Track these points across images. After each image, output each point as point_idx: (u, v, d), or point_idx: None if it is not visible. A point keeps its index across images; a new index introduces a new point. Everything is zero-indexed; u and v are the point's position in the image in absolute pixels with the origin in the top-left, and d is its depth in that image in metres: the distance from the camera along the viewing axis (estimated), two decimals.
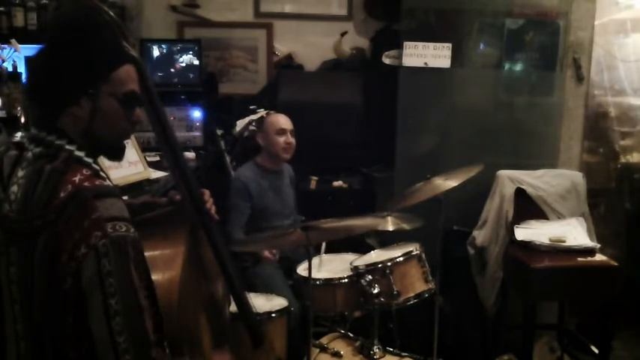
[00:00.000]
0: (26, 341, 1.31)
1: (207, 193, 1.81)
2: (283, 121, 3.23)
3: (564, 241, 3.05)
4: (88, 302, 1.22)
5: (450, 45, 3.46)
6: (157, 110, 1.61)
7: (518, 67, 3.59)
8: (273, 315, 2.57)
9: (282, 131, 3.19)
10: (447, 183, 2.78)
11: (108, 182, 1.38)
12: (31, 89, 1.39)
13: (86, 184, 1.28)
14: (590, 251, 3.02)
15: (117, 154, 1.47)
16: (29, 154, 1.34)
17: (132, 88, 1.40)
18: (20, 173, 1.33)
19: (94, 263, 1.22)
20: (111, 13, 1.41)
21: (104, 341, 1.22)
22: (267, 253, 3.03)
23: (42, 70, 1.34)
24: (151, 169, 2.95)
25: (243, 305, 1.87)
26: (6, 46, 3.06)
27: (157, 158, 3.11)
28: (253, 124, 3.59)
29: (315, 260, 2.83)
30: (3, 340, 1.34)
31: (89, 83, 1.34)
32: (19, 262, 1.29)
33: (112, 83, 1.36)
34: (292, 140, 3.21)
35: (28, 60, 1.41)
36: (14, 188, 1.32)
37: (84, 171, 1.31)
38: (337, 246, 3.10)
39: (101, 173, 1.38)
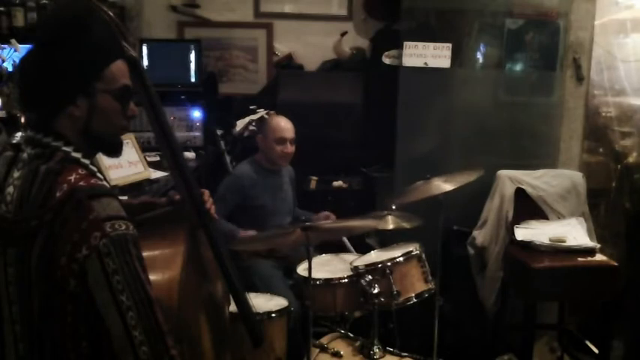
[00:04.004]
0: (25, 343, 1.31)
1: (206, 193, 1.81)
2: (285, 128, 3.17)
3: (564, 241, 3.05)
4: (96, 301, 1.23)
5: (449, 45, 3.45)
6: (156, 110, 1.61)
7: (518, 67, 3.58)
8: (273, 315, 2.57)
9: (282, 140, 3.15)
10: (445, 186, 2.78)
11: (104, 182, 1.38)
12: (26, 93, 1.38)
13: (82, 183, 1.28)
14: (590, 251, 3.02)
15: (115, 150, 1.47)
16: (24, 155, 1.34)
17: (125, 83, 1.40)
18: (16, 174, 1.33)
19: (98, 263, 1.23)
20: (109, 12, 1.41)
21: (121, 337, 1.24)
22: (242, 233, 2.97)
23: (35, 72, 1.33)
24: (151, 169, 2.96)
25: (243, 305, 1.87)
26: (6, 46, 3.06)
27: (157, 158, 3.11)
28: (253, 124, 3.59)
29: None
30: (1, 341, 1.34)
31: (83, 82, 1.33)
32: (16, 263, 1.29)
33: (106, 80, 1.36)
34: (291, 149, 3.18)
35: (20, 63, 1.39)
36: (10, 189, 1.32)
37: (79, 170, 1.31)
38: (337, 246, 3.11)
39: (98, 174, 1.38)
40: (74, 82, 1.33)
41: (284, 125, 3.19)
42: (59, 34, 1.33)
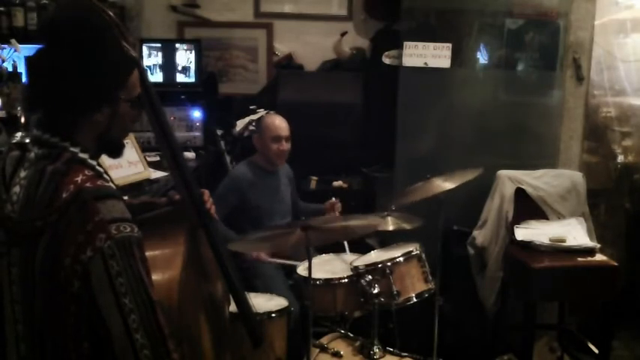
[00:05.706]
0: (27, 342, 1.31)
1: (206, 193, 1.82)
2: (279, 126, 3.19)
3: (564, 241, 3.05)
4: (99, 303, 1.23)
5: (449, 45, 3.45)
6: (156, 111, 1.61)
7: (519, 67, 3.59)
8: (273, 315, 2.57)
9: (277, 138, 3.17)
10: (445, 185, 2.78)
11: (110, 184, 1.38)
12: (42, 96, 1.35)
13: (88, 184, 1.28)
14: (590, 251, 3.02)
15: (119, 152, 1.49)
16: (31, 155, 1.34)
17: (139, 91, 1.43)
18: (22, 174, 1.33)
19: (102, 265, 1.22)
20: (111, 14, 1.40)
21: (122, 339, 1.24)
22: (259, 255, 3.02)
23: (57, 78, 1.31)
24: (151, 169, 2.96)
25: (243, 305, 1.87)
26: (6, 46, 3.06)
27: (157, 158, 3.11)
28: (253, 124, 3.59)
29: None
30: (3, 341, 1.34)
31: (110, 91, 1.35)
32: (20, 263, 1.29)
33: (127, 89, 1.38)
34: (286, 147, 3.20)
35: (31, 65, 1.38)
36: (16, 189, 1.32)
37: (86, 172, 1.31)
38: (337, 246, 3.11)
39: (104, 175, 1.38)
40: (103, 91, 1.34)
41: (278, 123, 3.21)
42: (85, 41, 1.32)
